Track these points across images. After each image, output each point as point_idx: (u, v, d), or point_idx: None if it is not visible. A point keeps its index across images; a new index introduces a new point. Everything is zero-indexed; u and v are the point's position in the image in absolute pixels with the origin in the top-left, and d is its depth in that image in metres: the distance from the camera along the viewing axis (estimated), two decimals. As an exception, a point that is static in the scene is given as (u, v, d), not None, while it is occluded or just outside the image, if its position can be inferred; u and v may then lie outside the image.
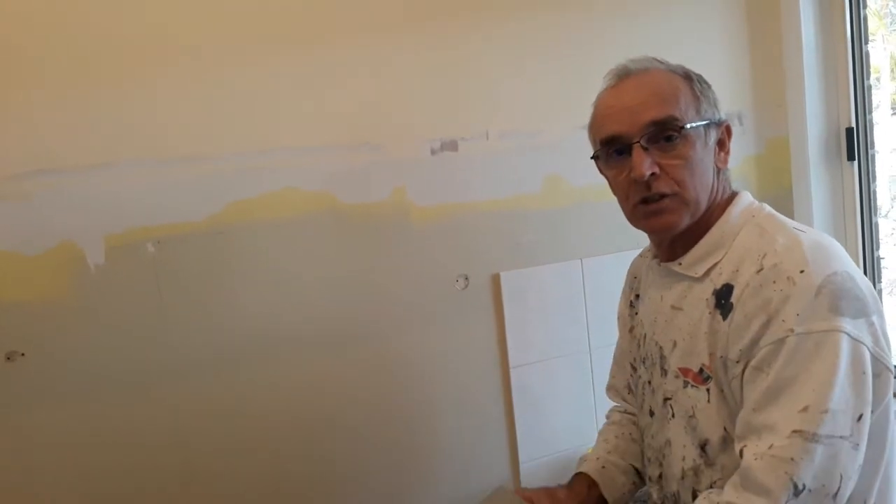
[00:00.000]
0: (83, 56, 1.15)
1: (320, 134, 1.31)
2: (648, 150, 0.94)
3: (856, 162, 1.73)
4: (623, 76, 0.99)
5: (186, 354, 1.24)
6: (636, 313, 1.15)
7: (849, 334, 0.82)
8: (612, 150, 0.98)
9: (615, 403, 1.26)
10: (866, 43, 1.71)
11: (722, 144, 0.99)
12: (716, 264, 0.95)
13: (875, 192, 1.74)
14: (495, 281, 1.48)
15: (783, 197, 1.74)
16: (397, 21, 1.36)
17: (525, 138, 1.49)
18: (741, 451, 0.86)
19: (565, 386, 1.55)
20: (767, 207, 0.99)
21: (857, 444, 0.82)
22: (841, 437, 0.81)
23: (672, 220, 0.97)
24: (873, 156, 1.73)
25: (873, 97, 1.75)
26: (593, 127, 1.03)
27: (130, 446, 1.21)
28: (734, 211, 0.97)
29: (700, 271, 0.97)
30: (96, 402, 1.19)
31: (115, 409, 1.20)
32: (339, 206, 1.33)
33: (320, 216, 1.32)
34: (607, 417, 1.26)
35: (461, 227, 1.43)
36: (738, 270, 0.91)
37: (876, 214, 1.75)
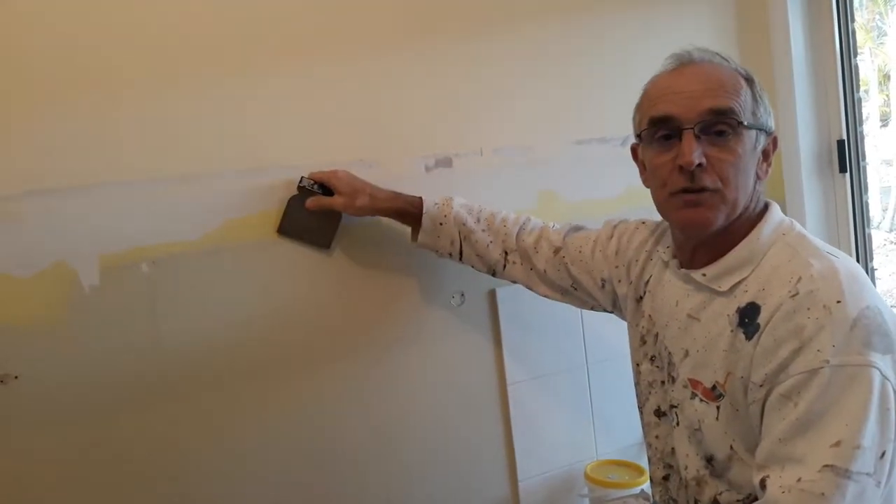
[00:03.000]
0: (75, 75, 1.14)
1: (315, 151, 1.31)
2: (699, 140, 0.92)
3: (847, 174, 1.74)
4: (686, 62, 0.98)
5: (183, 375, 1.23)
6: (641, 297, 1.12)
7: (880, 370, 0.81)
8: (659, 132, 0.96)
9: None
10: (855, 56, 1.72)
11: (766, 154, 0.97)
12: (742, 280, 0.93)
13: (867, 203, 1.75)
14: (491, 297, 1.48)
15: (776, 209, 1.75)
16: (391, 38, 1.37)
17: (519, 154, 1.49)
18: (762, 481, 0.84)
19: (563, 402, 1.55)
20: (798, 225, 0.97)
21: (879, 482, 0.81)
22: (867, 474, 0.79)
23: (709, 217, 0.93)
24: (864, 167, 1.75)
25: (863, 109, 1.77)
26: (643, 106, 1.01)
27: (127, 468, 1.20)
28: (766, 227, 0.95)
29: (725, 286, 0.94)
30: (92, 424, 1.17)
31: (111, 430, 1.18)
32: (334, 223, 1.33)
33: (315, 234, 1.32)
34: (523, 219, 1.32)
35: (456, 243, 1.43)
36: (764, 290, 0.89)
37: (868, 226, 1.76)
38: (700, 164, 0.91)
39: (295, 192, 1.28)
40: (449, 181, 1.42)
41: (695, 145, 0.91)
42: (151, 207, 1.20)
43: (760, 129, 0.95)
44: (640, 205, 1.02)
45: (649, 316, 1.09)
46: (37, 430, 1.14)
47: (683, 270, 1.01)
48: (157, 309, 1.20)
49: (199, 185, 1.23)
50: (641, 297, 1.13)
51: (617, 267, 1.19)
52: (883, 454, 0.81)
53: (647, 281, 1.12)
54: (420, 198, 1.30)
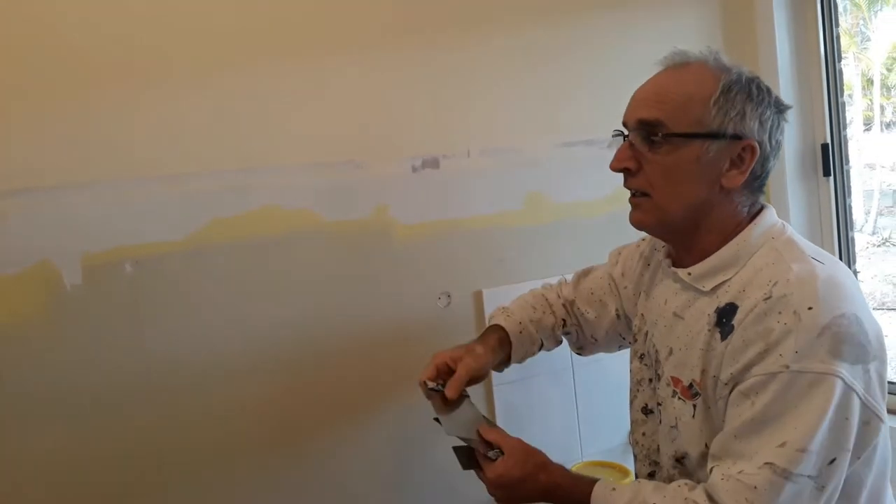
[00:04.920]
0: (59, 73, 1.13)
1: (300, 152, 1.30)
2: (635, 146, 0.95)
3: (831, 177, 1.75)
4: (665, 66, 0.99)
5: (165, 376, 1.22)
6: (639, 304, 1.13)
7: (843, 380, 0.82)
8: (621, 136, 1.00)
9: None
10: (839, 60, 1.74)
11: (741, 161, 0.93)
12: (725, 281, 0.93)
13: (850, 206, 1.77)
14: (478, 298, 1.48)
15: (761, 212, 1.76)
16: (379, 39, 1.37)
17: (506, 155, 1.49)
18: (711, 469, 0.87)
19: (549, 403, 1.55)
20: (790, 230, 0.96)
21: (823, 487, 0.82)
22: (808, 476, 0.81)
23: (640, 219, 0.99)
24: (848, 171, 1.76)
25: (846, 114, 1.78)
26: None
27: (110, 469, 1.19)
28: (755, 230, 0.95)
29: (709, 286, 0.95)
30: (73, 425, 1.16)
31: (93, 431, 1.17)
32: (320, 224, 1.32)
33: (302, 234, 1.31)
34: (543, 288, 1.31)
35: (443, 244, 1.43)
36: (744, 291, 0.90)
37: (852, 229, 1.78)
38: (626, 169, 0.97)
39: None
40: (436, 182, 1.42)
41: (623, 151, 0.97)
42: (136, 207, 1.19)
43: (714, 137, 0.91)
44: (626, 206, 1.02)
45: (642, 314, 1.10)
46: (17, 430, 1.13)
47: (672, 269, 1.02)
48: (140, 309, 1.19)
49: (185, 184, 1.22)
50: (639, 297, 1.14)
51: (625, 287, 1.20)
52: (833, 461, 0.82)
53: (646, 281, 1.13)
54: (494, 325, 1.24)
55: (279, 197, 1.29)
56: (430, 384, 1.16)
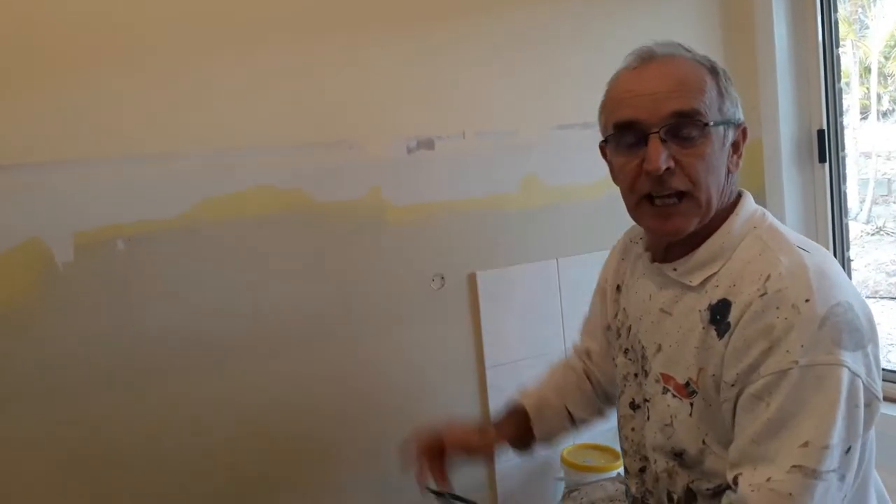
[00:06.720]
0: (49, 51, 1.12)
1: (294, 131, 1.30)
2: (666, 143, 0.89)
3: (827, 164, 1.75)
4: (647, 59, 0.93)
5: (158, 354, 1.21)
6: (619, 298, 1.12)
7: (849, 368, 0.81)
8: (625, 136, 0.93)
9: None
10: (837, 47, 1.73)
11: (736, 146, 0.94)
12: (713, 275, 0.92)
13: (846, 193, 1.77)
14: (471, 281, 1.48)
15: (756, 198, 1.74)
16: (374, 18, 1.35)
17: (502, 138, 1.49)
18: (735, 479, 0.85)
19: (541, 386, 1.55)
20: (769, 217, 0.95)
21: (843, 476, 0.82)
22: (833, 470, 0.80)
23: (681, 224, 0.92)
24: (844, 157, 1.76)
25: (843, 101, 1.78)
26: (606, 108, 0.97)
27: (101, 449, 1.19)
28: (737, 220, 0.94)
29: (696, 281, 0.93)
30: (65, 404, 1.16)
31: (84, 410, 1.17)
32: (313, 204, 1.32)
33: (294, 215, 1.30)
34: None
35: (437, 226, 1.43)
36: (735, 286, 0.88)
37: (846, 216, 1.78)
38: (668, 168, 0.89)
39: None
40: (431, 164, 1.42)
41: (661, 149, 0.89)
42: (128, 184, 1.18)
43: (728, 124, 0.93)
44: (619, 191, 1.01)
45: (624, 309, 1.09)
46: (9, 408, 1.12)
47: (656, 264, 1.00)
48: (132, 286, 1.19)
49: (177, 163, 1.21)
50: (619, 286, 1.13)
51: (604, 289, 1.18)
52: (849, 449, 0.82)
53: (623, 273, 1.12)
54: (513, 402, 1.22)
55: (271, 177, 1.28)
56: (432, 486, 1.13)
